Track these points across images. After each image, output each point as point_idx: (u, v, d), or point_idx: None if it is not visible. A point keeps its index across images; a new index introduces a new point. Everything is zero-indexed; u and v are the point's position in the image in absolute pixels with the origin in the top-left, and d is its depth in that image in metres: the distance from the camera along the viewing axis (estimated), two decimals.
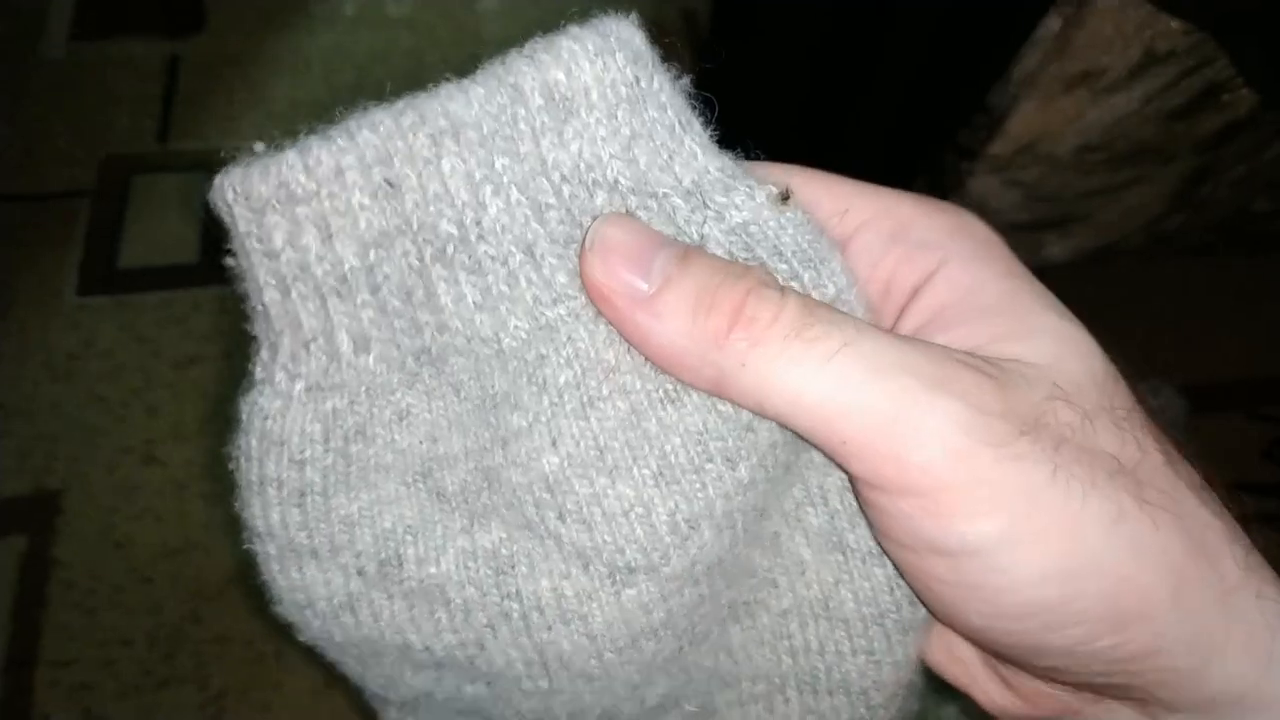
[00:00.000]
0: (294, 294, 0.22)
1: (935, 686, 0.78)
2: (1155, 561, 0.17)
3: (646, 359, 0.20)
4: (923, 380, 0.17)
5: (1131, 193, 0.78)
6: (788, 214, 0.21)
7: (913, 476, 0.17)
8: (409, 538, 0.23)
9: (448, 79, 0.25)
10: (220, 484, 0.77)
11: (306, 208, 0.22)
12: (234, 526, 0.23)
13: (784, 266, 0.20)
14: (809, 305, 0.18)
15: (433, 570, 0.23)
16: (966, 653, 0.22)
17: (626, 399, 0.21)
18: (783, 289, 0.19)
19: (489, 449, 0.23)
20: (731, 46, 0.82)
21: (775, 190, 0.21)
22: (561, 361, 0.22)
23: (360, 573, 0.24)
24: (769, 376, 0.18)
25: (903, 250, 0.21)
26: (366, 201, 0.22)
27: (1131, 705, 0.19)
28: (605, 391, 0.21)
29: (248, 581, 0.24)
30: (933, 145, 0.83)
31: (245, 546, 0.24)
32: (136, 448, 0.79)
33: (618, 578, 0.23)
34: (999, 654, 0.19)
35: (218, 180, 0.22)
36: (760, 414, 0.19)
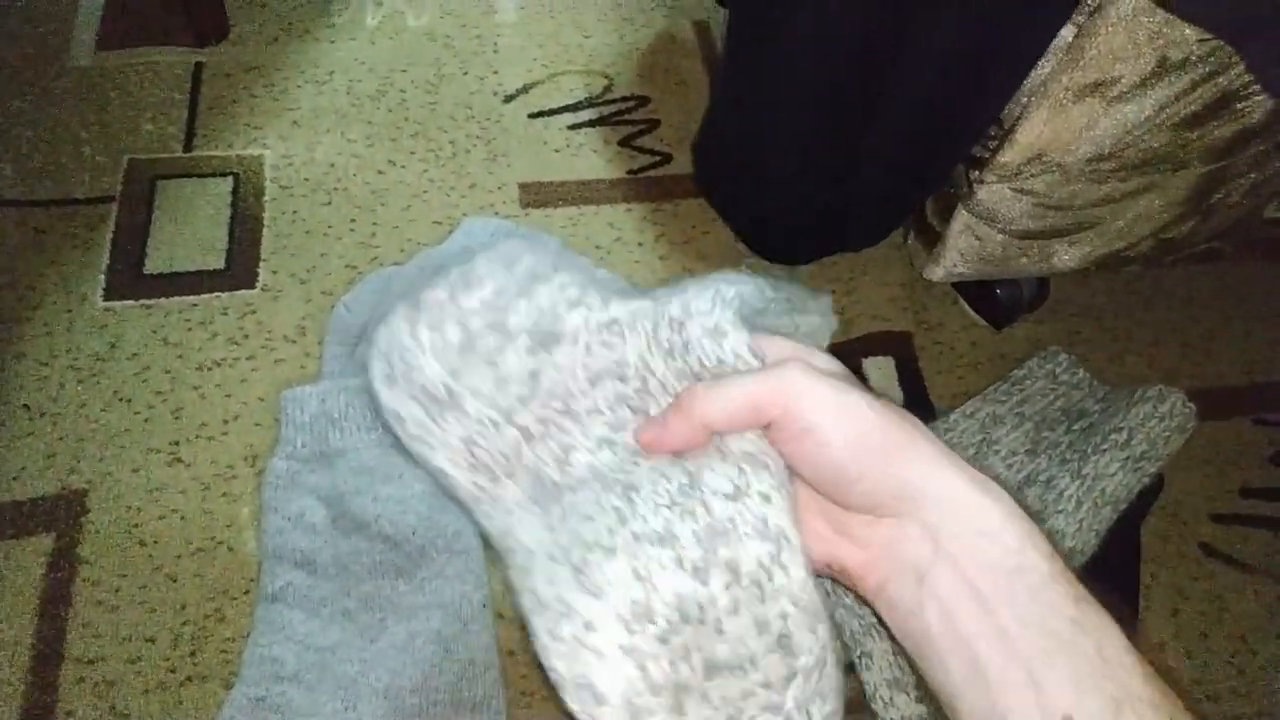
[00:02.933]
0: None
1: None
2: (894, 427, 0.32)
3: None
4: (795, 354, 0.35)
5: (1142, 200, 0.78)
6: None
7: (789, 414, 0.33)
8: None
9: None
10: (244, 484, 0.79)
11: None
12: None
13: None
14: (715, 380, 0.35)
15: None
16: (824, 530, 0.35)
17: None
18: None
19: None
20: (744, 57, 0.83)
21: None
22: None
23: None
24: (714, 413, 0.34)
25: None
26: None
27: (904, 516, 0.33)
28: None
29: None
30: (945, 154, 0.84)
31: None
32: (162, 448, 0.80)
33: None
34: (844, 500, 0.34)
35: None
36: (725, 430, 0.34)
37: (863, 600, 0.36)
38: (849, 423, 0.32)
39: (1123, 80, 0.66)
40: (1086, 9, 0.66)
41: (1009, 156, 0.74)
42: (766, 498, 0.34)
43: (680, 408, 0.34)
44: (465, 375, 0.37)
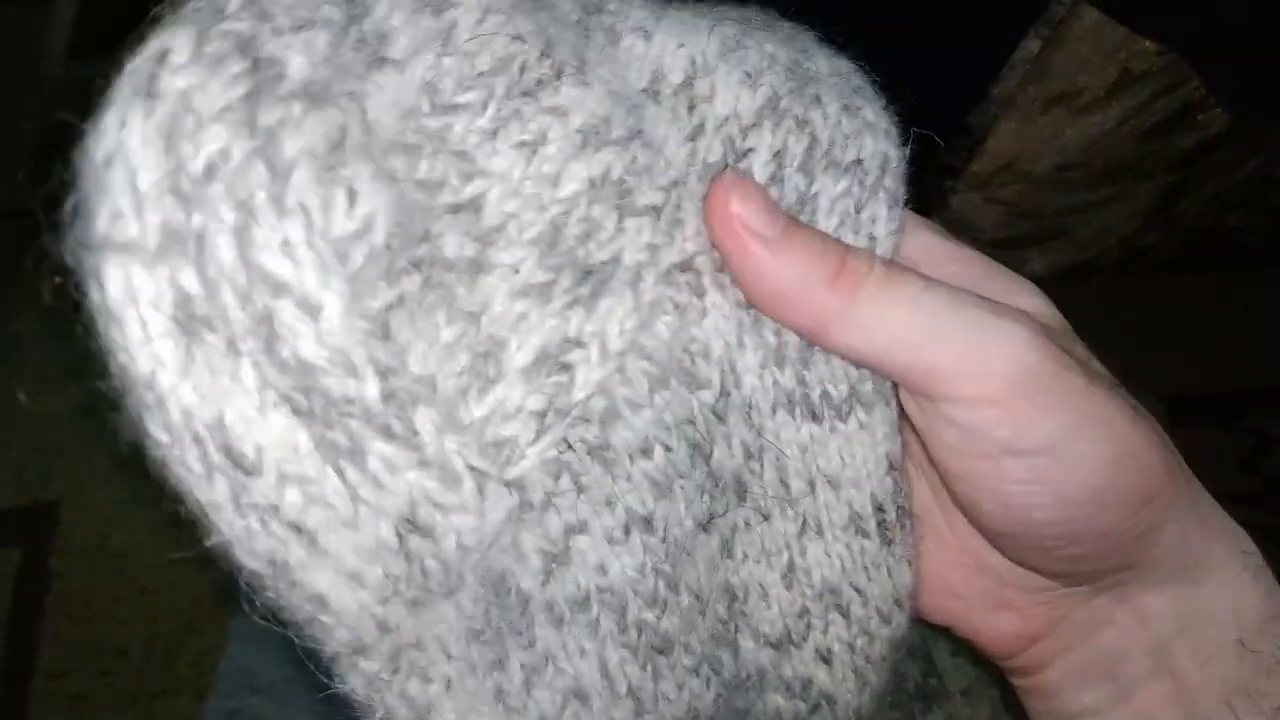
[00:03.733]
0: None
1: (921, 694, 0.79)
2: (1159, 451, 0.21)
3: (749, 299, 0.21)
4: (993, 311, 0.21)
5: (1108, 209, 0.80)
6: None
7: (993, 389, 0.20)
8: None
9: None
10: None
11: None
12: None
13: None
14: (894, 264, 0.22)
15: None
16: (966, 589, 0.24)
17: None
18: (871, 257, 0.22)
19: None
20: None
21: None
22: None
23: None
24: (869, 316, 0.20)
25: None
26: None
27: (1113, 592, 0.22)
28: None
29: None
30: (915, 164, 0.85)
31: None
32: (134, 460, 0.80)
33: None
34: (1030, 560, 0.22)
35: None
36: (853, 355, 0.21)
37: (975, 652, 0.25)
38: (1106, 446, 0.21)
39: (1087, 91, 0.67)
40: (1051, 22, 0.67)
41: (980, 166, 0.75)
42: (824, 657, 0.21)
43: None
44: (401, 352, 0.16)
